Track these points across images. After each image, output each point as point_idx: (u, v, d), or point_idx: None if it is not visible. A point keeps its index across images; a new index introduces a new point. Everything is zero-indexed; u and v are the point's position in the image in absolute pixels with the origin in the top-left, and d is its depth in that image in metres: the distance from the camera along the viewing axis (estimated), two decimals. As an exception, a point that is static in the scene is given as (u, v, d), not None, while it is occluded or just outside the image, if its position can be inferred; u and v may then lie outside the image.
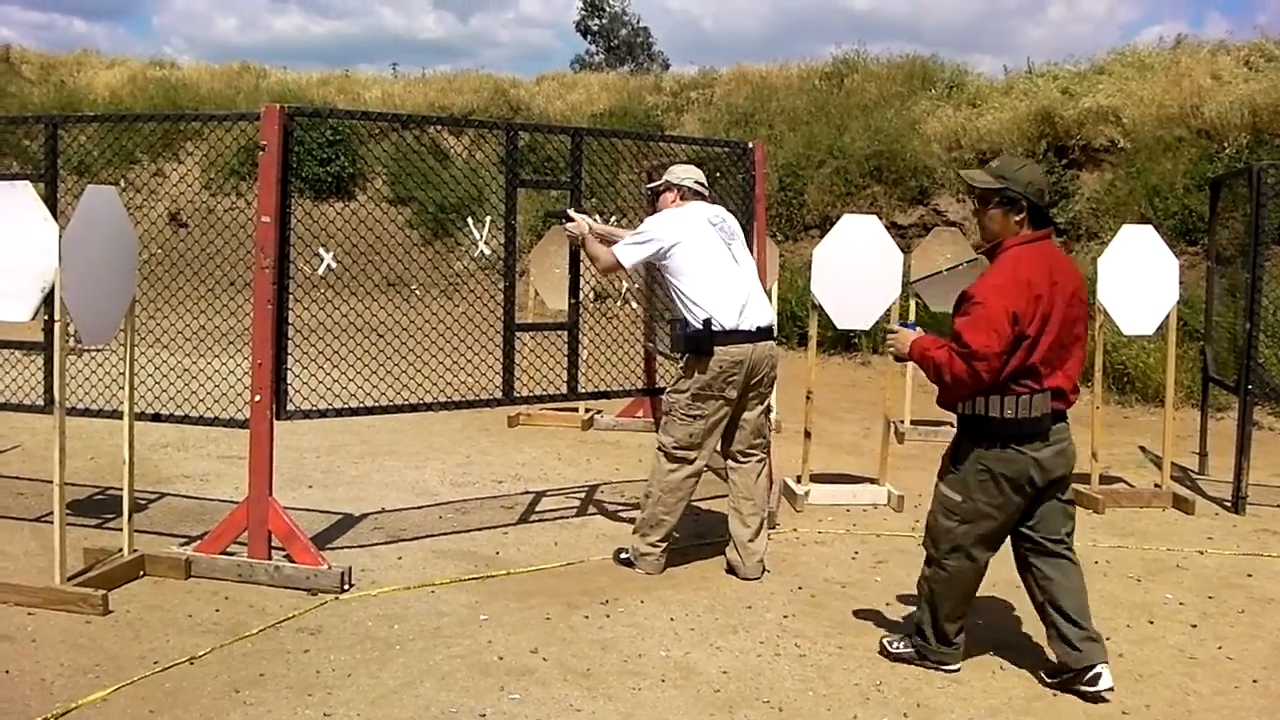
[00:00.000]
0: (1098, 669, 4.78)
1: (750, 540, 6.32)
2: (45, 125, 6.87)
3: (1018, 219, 4.84)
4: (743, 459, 6.44)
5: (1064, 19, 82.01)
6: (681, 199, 6.47)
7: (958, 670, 5.06)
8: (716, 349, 6.08)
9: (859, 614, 5.81)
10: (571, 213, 6.68)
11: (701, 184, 6.51)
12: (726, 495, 8.12)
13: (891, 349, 5.15)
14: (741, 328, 6.13)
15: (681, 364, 6.30)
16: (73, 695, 4.57)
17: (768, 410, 6.55)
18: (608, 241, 6.57)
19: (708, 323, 6.09)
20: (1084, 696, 4.79)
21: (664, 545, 6.40)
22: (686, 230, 6.23)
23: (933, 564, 5.08)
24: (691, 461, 6.31)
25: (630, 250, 6.35)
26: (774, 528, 7.29)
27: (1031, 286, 4.65)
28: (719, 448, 6.48)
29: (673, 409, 6.30)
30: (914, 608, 5.74)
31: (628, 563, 6.47)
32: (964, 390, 4.73)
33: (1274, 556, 7.02)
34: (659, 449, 6.38)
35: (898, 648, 5.21)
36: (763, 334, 6.25)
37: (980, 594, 6.11)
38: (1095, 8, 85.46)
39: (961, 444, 4.94)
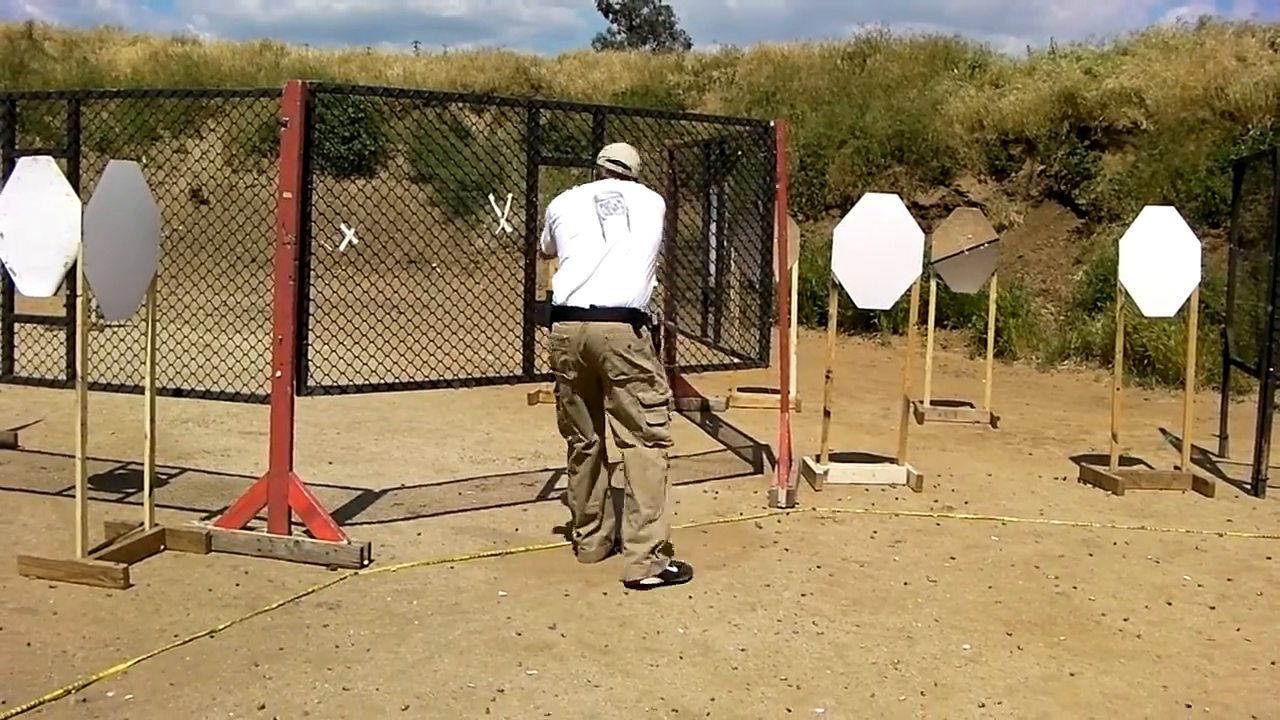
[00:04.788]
0: None
1: (629, 541, 5.88)
2: (68, 101, 6.89)
3: None
4: (622, 450, 5.97)
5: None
6: (598, 178, 6.22)
7: None
8: (553, 325, 5.89)
9: (876, 593, 5.80)
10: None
11: (615, 161, 6.19)
12: (744, 474, 8.18)
13: None
14: (571, 304, 5.81)
15: None
16: (94, 667, 4.60)
17: (641, 401, 5.87)
18: None
19: (550, 296, 5.96)
20: None
21: (589, 532, 6.20)
22: (565, 207, 6.03)
23: None
24: (573, 445, 6.20)
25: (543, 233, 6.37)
26: (793, 506, 7.29)
27: None
28: None
29: None
30: (930, 583, 5.75)
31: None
32: None
33: (1294, 539, 7.00)
34: None
35: None
36: (598, 313, 5.79)
37: (999, 572, 6.13)
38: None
39: None
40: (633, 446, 5.91)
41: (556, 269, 6.02)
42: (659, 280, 6.79)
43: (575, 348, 5.81)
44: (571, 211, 6.00)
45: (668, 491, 5.96)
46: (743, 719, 4.38)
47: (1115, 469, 8.13)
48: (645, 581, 5.75)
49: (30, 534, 6.30)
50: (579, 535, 6.21)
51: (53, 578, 5.52)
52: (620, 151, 6.28)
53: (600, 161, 6.26)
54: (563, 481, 7.76)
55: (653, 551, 5.79)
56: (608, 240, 5.87)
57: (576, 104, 8.43)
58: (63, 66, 23.46)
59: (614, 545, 6.19)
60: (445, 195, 18.02)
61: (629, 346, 5.78)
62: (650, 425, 5.89)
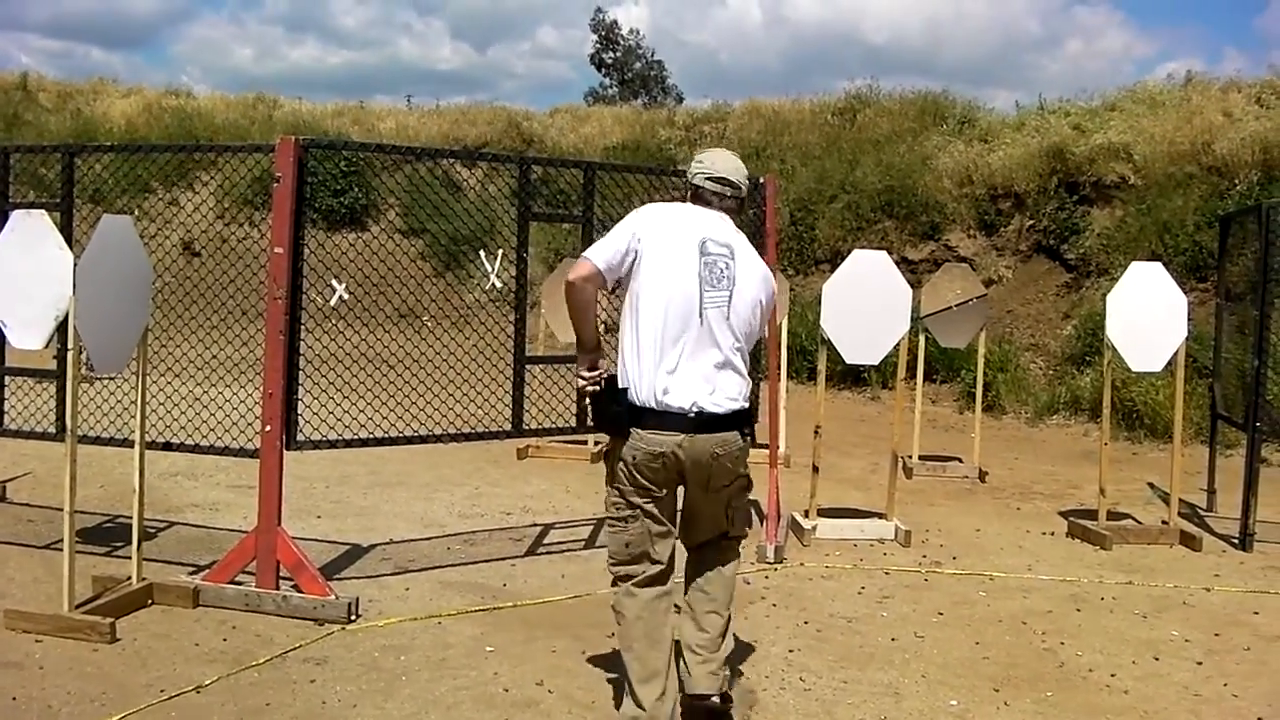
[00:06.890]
0: None
1: (700, 647, 4.57)
2: (62, 154, 6.94)
3: None
4: (687, 545, 4.78)
5: (1080, 54, 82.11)
6: (694, 198, 4.74)
7: None
8: (638, 431, 4.41)
9: (864, 649, 5.79)
10: None
11: (722, 180, 4.68)
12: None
13: None
14: (663, 407, 4.37)
15: None
16: (79, 723, 4.60)
17: (732, 504, 4.67)
18: None
19: (615, 385, 4.53)
20: None
21: (657, 696, 4.39)
22: (661, 242, 4.49)
23: None
24: (636, 572, 4.58)
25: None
26: (781, 562, 7.29)
27: None
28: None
29: None
30: (918, 639, 5.74)
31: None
32: None
33: (1282, 595, 7.01)
34: None
35: None
36: (705, 421, 4.39)
37: (986, 628, 6.13)
38: (1112, 44, 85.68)
39: None
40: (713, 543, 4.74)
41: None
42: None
43: (673, 464, 4.39)
44: (667, 254, 4.46)
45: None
46: (729, 776, 4.37)
47: (1103, 524, 8.14)
48: (715, 699, 4.52)
49: (16, 587, 6.28)
50: (638, 702, 4.41)
51: (39, 631, 5.50)
52: (726, 164, 4.74)
53: (698, 181, 4.68)
54: (551, 536, 7.76)
55: (726, 662, 4.69)
56: (705, 320, 4.40)
57: (568, 160, 8.49)
58: (56, 118, 23.57)
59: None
60: (436, 249, 18.10)
61: (736, 458, 4.51)
62: (734, 528, 4.75)
